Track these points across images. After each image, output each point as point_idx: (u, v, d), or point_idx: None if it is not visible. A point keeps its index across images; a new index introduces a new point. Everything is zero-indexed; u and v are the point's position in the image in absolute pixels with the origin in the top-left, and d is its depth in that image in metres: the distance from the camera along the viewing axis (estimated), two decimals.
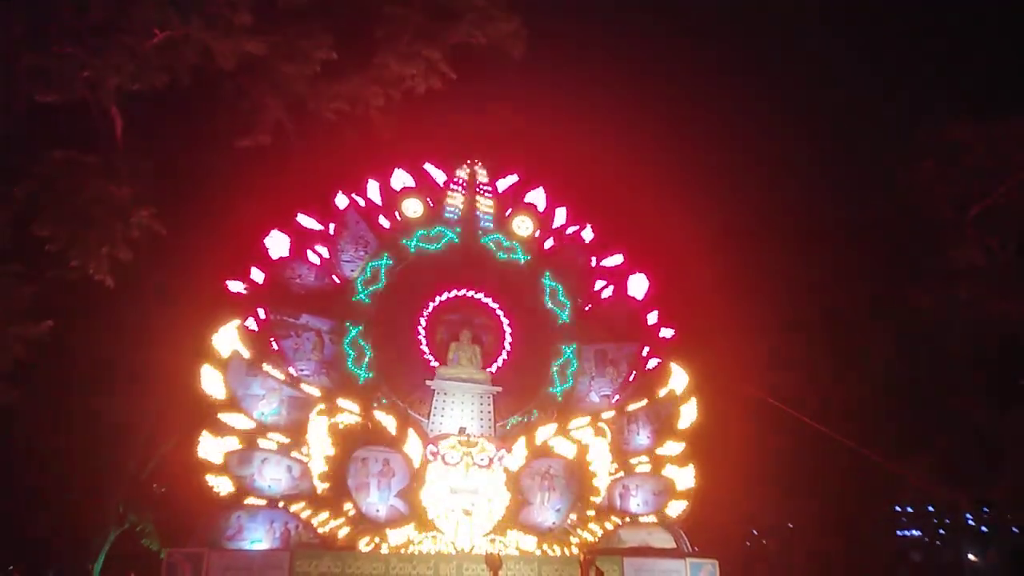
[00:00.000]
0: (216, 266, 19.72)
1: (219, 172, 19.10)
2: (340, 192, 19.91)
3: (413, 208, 20.57)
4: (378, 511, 17.24)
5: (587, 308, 20.72)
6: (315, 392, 17.52)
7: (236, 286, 18.17)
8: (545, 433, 18.26)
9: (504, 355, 19.80)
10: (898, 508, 33.38)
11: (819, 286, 26.84)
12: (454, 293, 20.03)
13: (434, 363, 19.20)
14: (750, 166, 32.92)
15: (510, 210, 21.26)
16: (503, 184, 21.59)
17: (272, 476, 16.89)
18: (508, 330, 20.01)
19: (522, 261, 20.71)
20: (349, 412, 17.20)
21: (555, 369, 19.79)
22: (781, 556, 30.41)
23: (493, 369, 19.47)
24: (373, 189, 20.49)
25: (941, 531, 33.54)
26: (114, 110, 13.41)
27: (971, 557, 31.01)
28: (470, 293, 20.14)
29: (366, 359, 18.66)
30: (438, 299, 19.86)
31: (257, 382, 17.42)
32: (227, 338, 17.19)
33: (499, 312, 20.11)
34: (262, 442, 16.89)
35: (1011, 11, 24.26)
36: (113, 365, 21.37)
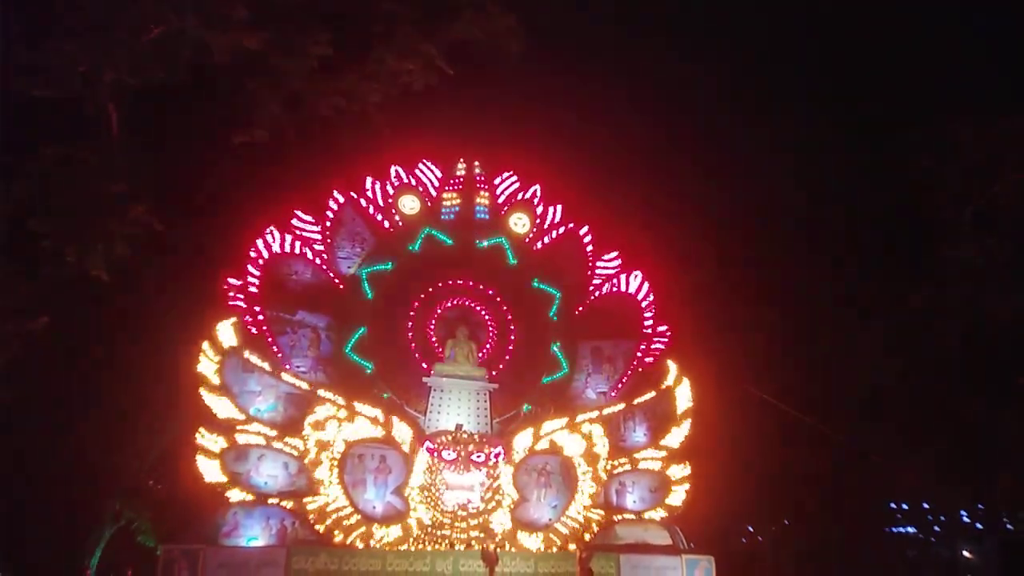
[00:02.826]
0: (213, 263, 19.69)
1: (216, 168, 19.06)
2: (337, 189, 19.89)
3: (410, 205, 20.55)
4: (375, 507, 17.25)
5: (584, 305, 20.69)
6: (311, 389, 17.51)
7: (233, 283, 18.16)
8: (541, 430, 18.25)
9: (502, 352, 19.79)
10: (894, 505, 33.52)
11: (816, 283, 26.88)
12: (451, 286, 19.96)
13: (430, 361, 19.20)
14: (747, 164, 32.92)
15: (507, 207, 21.23)
16: (500, 183, 21.59)
17: (268, 472, 16.90)
18: (505, 327, 19.98)
19: (519, 258, 20.67)
20: (345, 409, 17.20)
21: (551, 366, 19.78)
22: (777, 553, 30.47)
23: (493, 371, 19.45)
24: (370, 186, 20.48)
25: (936, 528, 33.67)
26: (110, 105, 13.36)
27: (966, 554, 31.14)
28: (468, 283, 20.08)
29: (362, 356, 18.64)
30: (435, 296, 19.82)
31: (253, 378, 17.42)
32: (224, 335, 17.17)
33: (496, 309, 20.08)
34: (258, 439, 16.89)
35: (1010, 8, 24.25)
36: (109, 362, 21.33)
